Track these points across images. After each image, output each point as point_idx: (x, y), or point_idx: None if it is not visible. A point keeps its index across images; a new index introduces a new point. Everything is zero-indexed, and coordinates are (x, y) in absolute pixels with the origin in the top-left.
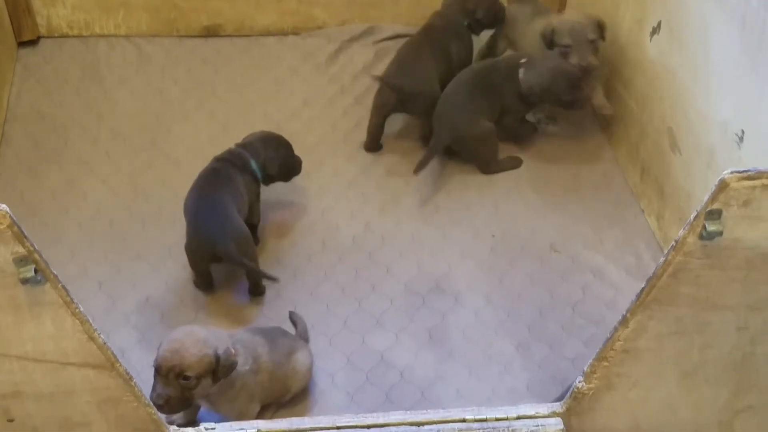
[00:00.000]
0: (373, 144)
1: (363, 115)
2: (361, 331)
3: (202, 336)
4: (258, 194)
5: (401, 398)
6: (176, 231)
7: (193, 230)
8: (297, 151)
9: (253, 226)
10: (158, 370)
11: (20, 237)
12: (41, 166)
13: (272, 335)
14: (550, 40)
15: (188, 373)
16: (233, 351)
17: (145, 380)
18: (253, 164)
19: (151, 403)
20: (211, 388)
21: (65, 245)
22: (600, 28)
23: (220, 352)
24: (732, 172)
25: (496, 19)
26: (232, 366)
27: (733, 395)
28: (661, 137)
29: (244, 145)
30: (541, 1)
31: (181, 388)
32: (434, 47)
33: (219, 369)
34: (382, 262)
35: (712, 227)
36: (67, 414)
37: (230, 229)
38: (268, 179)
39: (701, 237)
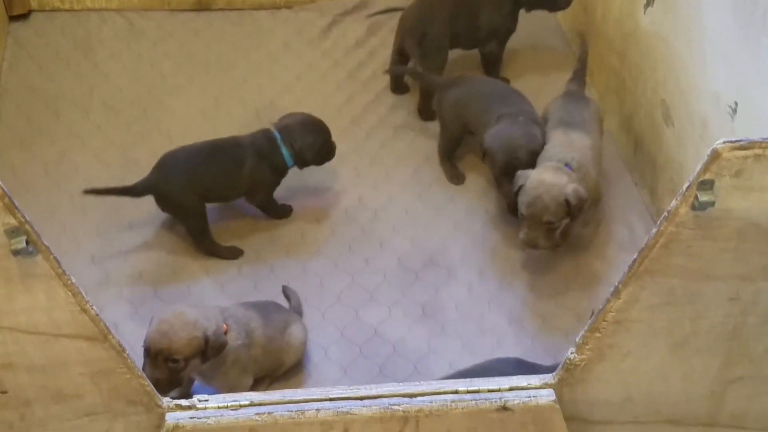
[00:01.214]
0: (396, 85)
1: (356, 89)
2: (355, 306)
3: (192, 318)
4: (272, 182)
5: (394, 371)
6: None
7: (164, 166)
8: None
9: (265, 209)
10: (147, 352)
11: (11, 208)
12: (33, 140)
13: (266, 310)
14: (515, 194)
15: (176, 357)
16: (225, 327)
17: (138, 354)
18: (284, 151)
19: (144, 375)
20: (203, 365)
21: (58, 219)
22: (567, 207)
23: (210, 333)
24: (724, 142)
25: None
26: (222, 346)
27: (725, 366)
28: (654, 109)
29: (281, 129)
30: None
31: (169, 370)
32: (459, 3)
33: (208, 350)
34: (376, 236)
35: (704, 197)
36: (60, 385)
37: (191, 181)
38: (302, 164)
39: (693, 207)
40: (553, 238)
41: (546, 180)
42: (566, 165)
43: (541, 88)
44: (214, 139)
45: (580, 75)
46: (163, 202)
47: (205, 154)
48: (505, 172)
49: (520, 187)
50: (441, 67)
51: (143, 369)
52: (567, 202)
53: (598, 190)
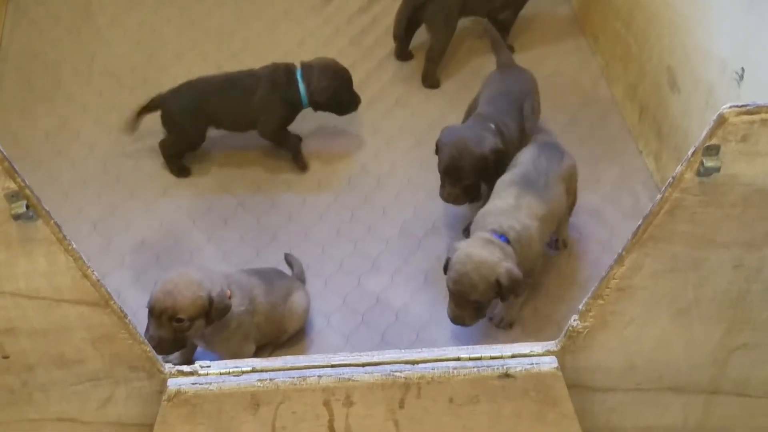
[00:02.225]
0: (401, 52)
1: (358, 56)
2: (357, 273)
3: (196, 278)
4: (283, 115)
5: (396, 339)
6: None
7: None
8: None
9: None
10: (151, 312)
11: (11, 172)
12: (34, 106)
13: (269, 277)
14: (445, 263)
15: (181, 316)
16: (228, 292)
17: (140, 320)
18: (301, 88)
19: (146, 341)
20: (206, 329)
21: (59, 186)
22: (498, 288)
23: (214, 294)
24: (731, 107)
25: None
26: (226, 308)
27: (728, 333)
28: (659, 76)
29: (304, 66)
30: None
31: (174, 330)
32: None
33: (212, 311)
34: (378, 204)
35: (709, 163)
36: (62, 351)
37: (197, 106)
38: (316, 106)
39: (699, 173)
40: (481, 315)
41: (475, 256)
42: (501, 236)
43: (546, 57)
44: (232, 71)
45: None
46: (166, 120)
47: (218, 83)
48: (446, 172)
49: (448, 260)
50: (450, 34)
51: (147, 330)
52: (498, 282)
53: (539, 261)
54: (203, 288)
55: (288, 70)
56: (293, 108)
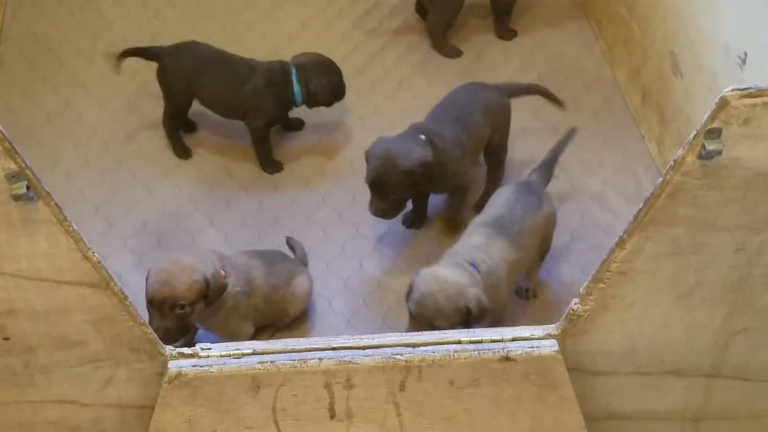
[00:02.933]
0: (421, 6)
1: (362, 39)
2: (359, 257)
3: (189, 263)
4: (273, 112)
5: (398, 323)
6: (172, 153)
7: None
8: None
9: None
10: (151, 303)
11: (11, 152)
12: (36, 87)
13: (271, 259)
14: (405, 295)
15: (182, 302)
16: (223, 273)
17: (142, 303)
18: (296, 88)
19: (147, 323)
20: (208, 309)
21: (61, 168)
22: (466, 315)
23: (209, 275)
24: (733, 90)
25: None
26: (222, 287)
27: (729, 317)
28: (662, 60)
29: (298, 66)
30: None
31: (177, 317)
32: None
33: (210, 293)
34: None
35: (711, 146)
36: (63, 332)
37: (190, 76)
38: (313, 104)
39: (700, 156)
40: None
41: (441, 276)
42: (472, 265)
43: (548, 40)
44: (235, 55)
45: (548, 166)
46: (159, 75)
47: (216, 60)
48: (373, 186)
49: (411, 285)
50: (456, 11)
51: (150, 322)
52: (467, 309)
53: (507, 309)
54: (197, 271)
55: (284, 69)
56: (285, 107)
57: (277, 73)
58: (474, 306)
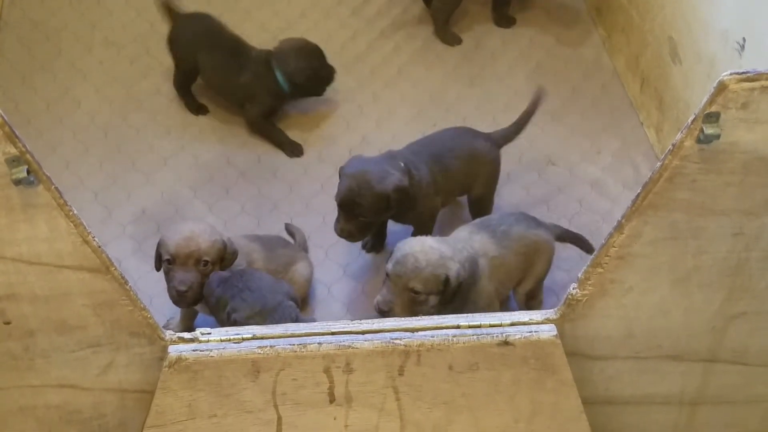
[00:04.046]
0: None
1: (361, 27)
2: (357, 243)
3: (207, 225)
4: (266, 103)
5: None
6: (171, 141)
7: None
8: None
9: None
10: (175, 259)
11: (12, 137)
12: (35, 74)
13: (271, 244)
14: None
15: (206, 258)
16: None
17: (140, 289)
18: (279, 75)
19: (146, 308)
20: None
21: (60, 155)
22: (444, 285)
23: (225, 238)
24: (731, 74)
25: None
26: (235, 253)
27: (727, 301)
28: (661, 47)
29: (276, 53)
30: None
31: (200, 273)
32: None
33: (227, 255)
34: None
35: (709, 130)
36: (63, 317)
37: (195, 51)
38: (297, 89)
39: (699, 140)
40: (415, 311)
41: (427, 243)
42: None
43: (547, 28)
44: (240, 39)
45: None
46: (168, 38)
47: (220, 40)
48: (342, 206)
49: (394, 248)
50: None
51: (171, 279)
52: (446, 278)
53: (493, 306)
54: (216, 233)
55: (266, 59)
56: (276, 97)
57: (262, 62)
58: (454, 278)
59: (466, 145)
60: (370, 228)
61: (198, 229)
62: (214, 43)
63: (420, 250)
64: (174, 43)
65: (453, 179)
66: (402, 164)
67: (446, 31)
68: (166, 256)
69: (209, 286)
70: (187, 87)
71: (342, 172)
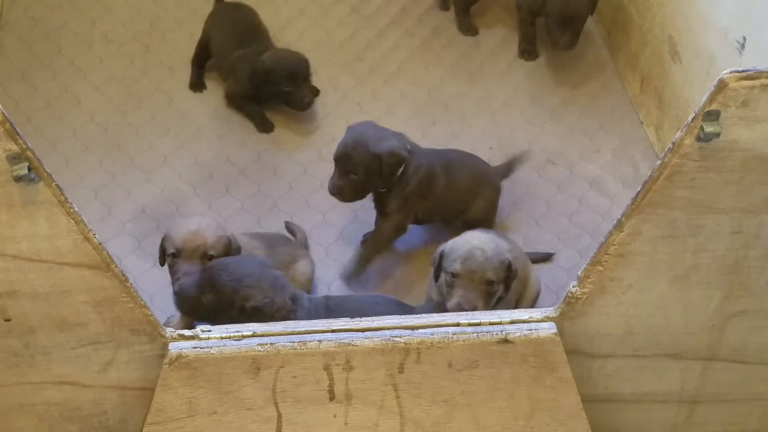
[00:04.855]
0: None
1: (359, 24)
2: (357, 241)
3: (213, 220)
4: (243, 83)
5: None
6: (170, 138)
7: None
8: None
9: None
10: (181, 253)
11: (13, 134)
12: (35, 72)
13: (273, 242)
14: (435, 268)
15: (212, 252)
16: None
17: (140, 286)
18: (260, 66)
19: (147, 305)
20: None
21: (60, 153)
22: (508, 268)
23: (230, 234)
24: (731, 72)
25: None
26: (239, 249)
27: (725, 299)
28: (661, 45)
29: (272, 49)
30: None
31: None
32: None
33: (231, 251)
34: None
35: (709, 128)
36: (64, 314)
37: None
38: (270, 90)
39: (698, 138)
40: (489, 305)
41: (476, 235)
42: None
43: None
44: (261, 29)
45: None
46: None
47: (238, 22)
48: (337, 160)
49: (441, 254)
50: None
51: (176, 272)
52: (509, 263)
53: (529, 288)
54: (222, 228)
55: (263, 50)
56: (255, 86)
57: (257, 51)
58: (513, 263)
59: (475, 163)
60: (362, 190)
61: (204, 223)
62: (231, 19)
63: (479, 242)
64: (207, 19)
65: (456, 190)
66: (408, 146)
67: (464, 20)
68: (171, 250)
69: (187, 295)
70: (199, 62)
71: (346, 131)
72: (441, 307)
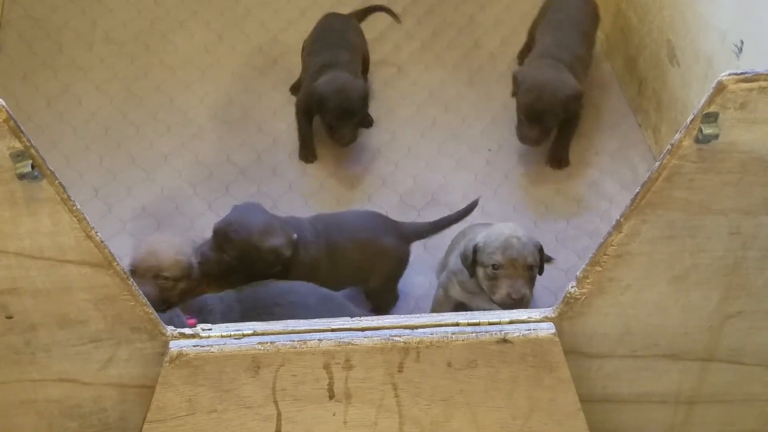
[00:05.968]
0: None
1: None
2: None
3: (179, 242)
4: (301, 98)
5: (396, 309)
6: (171, 138)
7: None
8: (292, 61)
9: None
10: (135, 271)
11: (17, 132)
12: (36, 71)
13: None
14: (472, 260)
15: (166, 274)
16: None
17: None
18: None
19: (148, 303)
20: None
21: (61, 151)
22: (540, 250)
23: (192, 261)
24: (730, 74)
25: None
26: (197, 280)
27: (724, 300)
28: (659, 49)
29: (334, 73)
30: None
31: (159, 288)
32: None
33: (191, 275)
34: (378, 173)
35: (708, 130)
36: (65, 311)
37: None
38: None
39: (697, 140)
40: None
41: (507, 225)
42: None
43: None
44: (351, 43)
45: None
46: None
47: (331, 32)
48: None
49: (474, 249)
50: None
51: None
52: (541, 247)
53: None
54: (187, 251)
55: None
56: (310, 101)
57: (323, 67)
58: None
59: (374, 237)
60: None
61: (166, 245)
62: (327, 28)
63: (511, 231)
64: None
65: (344, 273)
66: (295, 236)
67: None
68: (130, 267)
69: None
70: None
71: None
72: (452, 306)
